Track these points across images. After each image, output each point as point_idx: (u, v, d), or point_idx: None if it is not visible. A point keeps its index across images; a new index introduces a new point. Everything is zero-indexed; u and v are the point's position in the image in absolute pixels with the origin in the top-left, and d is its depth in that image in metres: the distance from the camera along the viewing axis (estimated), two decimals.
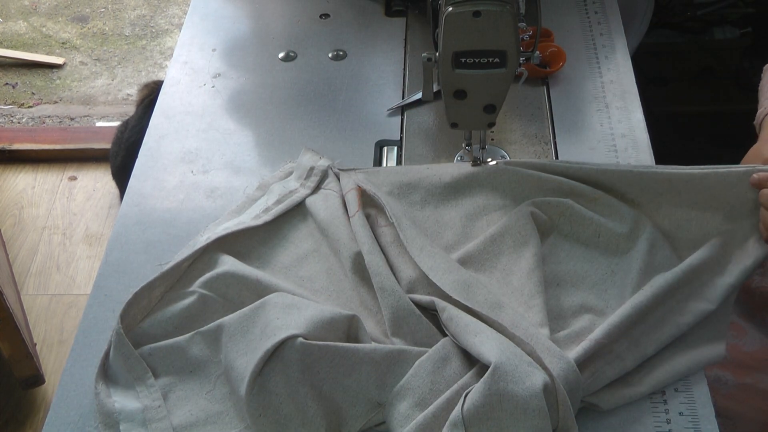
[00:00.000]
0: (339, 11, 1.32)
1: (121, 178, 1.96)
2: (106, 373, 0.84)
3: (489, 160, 1.03)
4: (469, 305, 0.83)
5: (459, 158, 1.07)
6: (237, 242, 0.94)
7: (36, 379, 1.77)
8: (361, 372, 0.79)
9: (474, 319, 0.81)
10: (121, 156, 1.93)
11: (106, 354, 0.85)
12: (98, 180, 2.27)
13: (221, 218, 0.98)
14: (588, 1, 1.32)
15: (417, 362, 0.80)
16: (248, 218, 0.97)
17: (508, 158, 1.07)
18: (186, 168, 1.08)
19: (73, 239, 2.12)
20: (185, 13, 1.35)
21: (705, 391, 0.83)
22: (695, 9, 1.87)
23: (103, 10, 2.86)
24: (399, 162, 1.08)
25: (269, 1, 1.36)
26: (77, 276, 2.04)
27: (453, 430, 0.73)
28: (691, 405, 0.82)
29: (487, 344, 0.77)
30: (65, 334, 1.91)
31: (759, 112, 1.07)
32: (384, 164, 1.09)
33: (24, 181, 2.28)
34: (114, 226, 1.02)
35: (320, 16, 1.32)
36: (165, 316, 0.87)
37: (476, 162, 1.02)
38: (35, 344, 1.86)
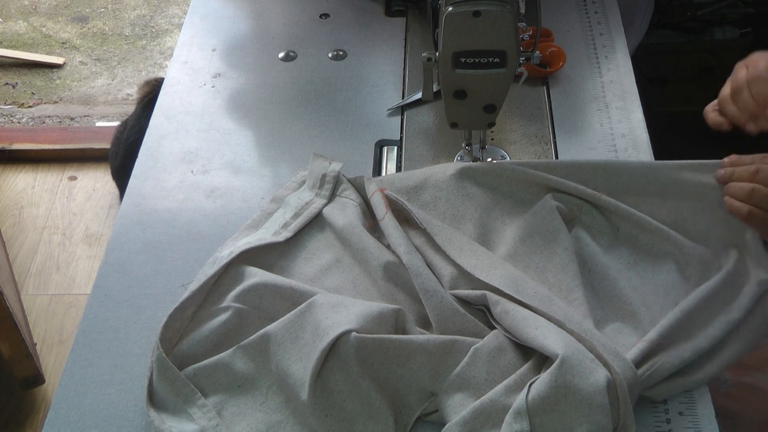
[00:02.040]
0: (339, 11, 1.32)
1: (121, 178, 1.96)
2: (152, 400, 0.82)
3: (489, 160, 1.03)
4: (521, 299, 0.83)
5: (459, 158, 1.07)
6: (257, 257, 0.93)
7: (36, 379, 1.76)
8: (415, 362, 0.80)
9: (532, 313, 0.82)
10: (120, 156, 1.92)
11: (150, 380, 0.83)
12: (98, 180, 2.27)
13: (238, 233, 0.97)
14: (588, 1, 1.32)
15: (472, 350, 0.80)
16: (268, 234, 0.95)
17: (508, 158, 1.07)
18: (186, 168, 1.08)
19: (73, 239, 2.12)
20: (185, 13, 1.35)
21: (705, 391, 0.83)
22: (695, 9, 1.87)
23: (103, 10, 2.86)
24: (399, 162, 1.08)
25: (269, 1, 1.36)
26: (77, 276, 2.04)
27: (516, 419, 0.73)
28: (691, 405, 0.82)
29: (550, 337, 0.78)
30: (65, 334, 1.91)
31: None
32: (384, 164, 1.09)
33: (24, 181, 2.28)
34: (114, 226, 1.02)
35: (320, 16, 1.32)
36: (202, 335, 0.86)
37: (476, 162, 1.02)
38: (35, 344, 1.86)
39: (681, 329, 0.84)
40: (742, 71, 0.97)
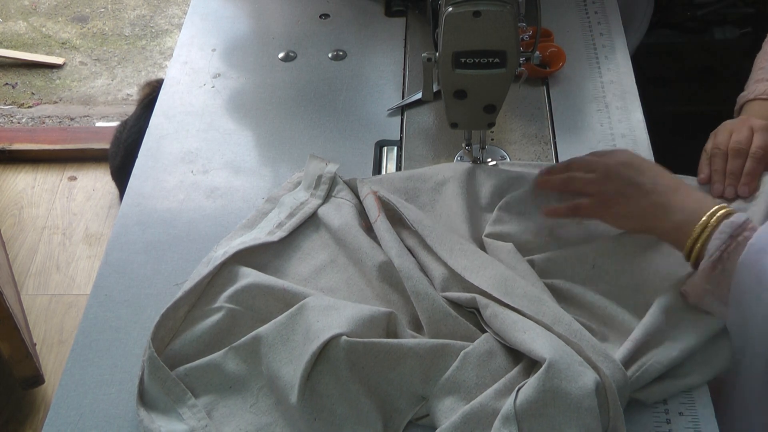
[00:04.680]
0: (339, 11, 1.32)
1: (121, 178, 1.96)
2: (143, 399, 0.82)
3: (489, 160, 1.03)
4: (509, 303, 0.82)
5: (459, 158, 1.07)
6: (252, 257, 0.93)
7: (36, 379, 1.76)
8: (405, 366, 0.79)
9: (520, 316, 0.81)
10: (120, 156, 1.93)
11: (141, 379, 0.83)
12: (98, 180, 2.27)
13: (233, 233, 0.97)
14: (588, 1, 1.32)
15: (462, 355, 0.80)
16: (262, 233, 0.95)
17: (508, 158, 1.07)
18: (186, 168, 1.08)
19: (73, 239, 2.12)
20: (185, 13, 1.35)
21: (705, 391, 0.83)
22: (695, 9, 1.87)
23: (103, 10, 2.86)
24: (399, 162, 1.08)
25: (269, 1, 1.36)
26: (77, 276, 2.04)
27: (505, 424, 0.73)
28: (691, 405, 0.82)
29: (538, 341, 0.77)
30: (65, 334, 1.91)
31: (741, 94, 1.08)
32: (384, 164, 1.09)
33: (24, 181, 2.28)
34: (114, 226, 1.02)
35: (320, 16, 1.32)
36: (195, 335, 0.86)
37: (476, 162, 1.02)
38: (35, 344, 1.86)
39: (665, 326, 0.83)
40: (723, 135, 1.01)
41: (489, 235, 0.93)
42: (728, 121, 1.03)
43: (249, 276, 0.89)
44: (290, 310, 0.83)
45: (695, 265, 0.84)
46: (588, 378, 0.75)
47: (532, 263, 0.91)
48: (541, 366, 0.75)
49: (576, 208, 0.93)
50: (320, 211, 0.98)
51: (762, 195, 0.97)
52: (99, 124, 2.44)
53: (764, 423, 0.85)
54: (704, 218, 0.83)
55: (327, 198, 0.99)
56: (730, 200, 0.97)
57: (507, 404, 0.74)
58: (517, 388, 0.75)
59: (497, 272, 0.85)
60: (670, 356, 0.81)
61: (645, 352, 0.82)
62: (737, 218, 0.82)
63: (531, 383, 0.74)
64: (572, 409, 0.73)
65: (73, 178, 2.28)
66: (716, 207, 0.84)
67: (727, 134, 1.01)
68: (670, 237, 0.86)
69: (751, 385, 0.84)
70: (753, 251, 0.78)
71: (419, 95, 1.14)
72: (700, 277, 0.82)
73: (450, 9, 0.86)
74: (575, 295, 0.89)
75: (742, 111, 1.08)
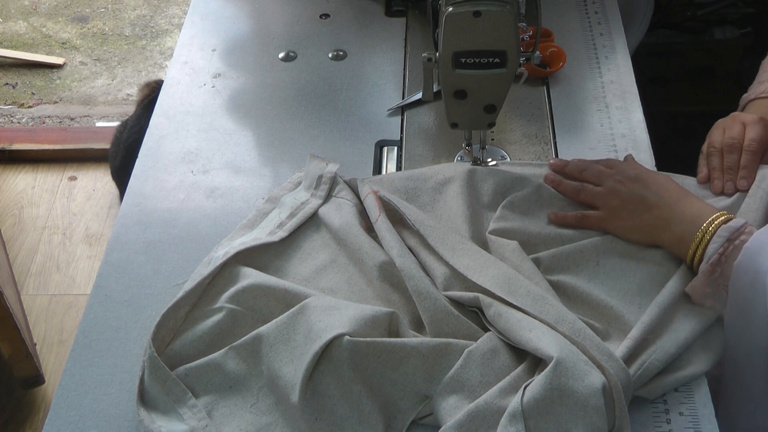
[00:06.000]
0: (339, 11, 1.32)
1: (121, 178, 1.96)
2: (143, 399, 0.82)
3: (489, 160, 1.03)
4: (513, 301, 0.82)
5: (459, 158, 1.07)
6: (253, 257, 0.93)
7: (36, 379, 1.77)
8: (408, 365, 0.79)
9: (525, 315, 0.81)
10: (120, 156, 1.93)
11: (141, 379, 0.83)
12: (98, 180, 2.27)
13: (233, 233, 0.97)
14: (588, 1, 1.32)
15: (465, 353, 0.80)
16: (263, 233, 0.95)
17: (508, 158, 1.07)
18: (186, 168, 1.08)
19: (73, 239, 2.12)
20: (185, 13, 1.35)
21: (705, 391, 0.83)
22: (695, 9, 1.87)
23: (103, 10, 2.86)
24: (399, 162, 1.08)
25: (269, 1, 1.36)
26: (77, 276, 2.04)
27: (512, 421, 0.73)
28: (691, 405, 0.82)
29: (545, 339, 0.77)
30: (65, 334, 1.91)
31: (744, 95, 1.09)
32: (384, 164, 1.09)
33: (24, 181, 2.28)
34: (114, 226, 1.02)
35: (320, 16, 1.32)
36: (195, 335, 0.86)
37: (476, 162, 1.02)
38: (35, 344, 1.86)
39: (662, 324, 0.84)
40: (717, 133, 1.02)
41: (493, 232, 0.93)
42: (720, 120, 1.05)
43: (250, 276, 0.88)
44: (291, 310, 0.83)
45: (697, 271, 0.86)
46: (595, 377, 0.75)
47: (537, 261, 0.91)
48: (546, 364, 0.76)
49: (583, 218, 0.95)
50: (321, 211, 0.98)
51: (759, 189, 0.97)
52: (99, 124, 2.44)
53: (764, 423, 0.85)
54: (704, 225, 0.87)
55: (327, 198, 0.99)
56: (730, 195, 0.98)
57: (514, 402, 0.74)
58: (523, 386, 0.75)
59: (500, 271, 0.85)
60: (669, 352, 0.82)
61: (644, 350, 0.82)
62: (735, 222, 0.85)
63: (538, 381, 0.75)
64: (579, 408, 0.74)
65: (73, 178, 2.28)
66: (715, 214, 0.87)
67: (720, 132, 1.02)
68: (674, 248, 0.90)
69: (750, 385, 0.85)
70: (748, 254, 0.80)
71: (419, 95, 1.14)
72: (700, 280, 0.85)
73: (450, 9, 0.86)
74: (580, 293, 0.89)
75: (744, 111, 1.09)
